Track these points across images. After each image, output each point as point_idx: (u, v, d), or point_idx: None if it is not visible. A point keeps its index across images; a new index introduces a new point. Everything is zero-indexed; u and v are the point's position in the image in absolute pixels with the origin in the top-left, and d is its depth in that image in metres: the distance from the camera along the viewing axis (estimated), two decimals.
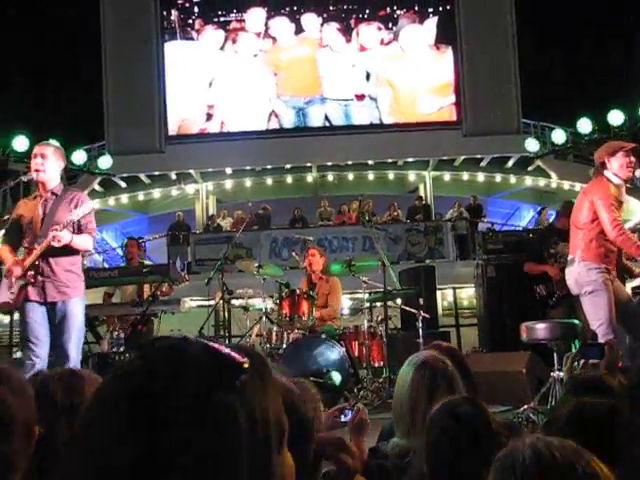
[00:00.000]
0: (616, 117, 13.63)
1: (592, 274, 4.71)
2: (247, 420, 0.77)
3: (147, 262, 8.59)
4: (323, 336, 6.67)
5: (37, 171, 4.57)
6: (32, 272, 4.51)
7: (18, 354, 12.47)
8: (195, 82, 18.17)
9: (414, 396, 2.35)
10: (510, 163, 18.76)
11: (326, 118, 18.25)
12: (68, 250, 4.54)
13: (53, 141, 5.09)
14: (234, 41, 18.26)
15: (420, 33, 18.29)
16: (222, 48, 18.28)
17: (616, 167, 4.76)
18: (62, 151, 4.82)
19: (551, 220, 8.66)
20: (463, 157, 18.57)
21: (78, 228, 4.59)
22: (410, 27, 18.32)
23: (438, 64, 18.24)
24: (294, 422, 1.33)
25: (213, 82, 18.14)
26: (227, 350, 0.81)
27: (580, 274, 4.77)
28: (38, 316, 4.53)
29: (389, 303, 7.41)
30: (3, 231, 5.03)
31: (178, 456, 0.72)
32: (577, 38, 20.21)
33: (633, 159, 4.77)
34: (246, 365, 0.80)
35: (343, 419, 2.87)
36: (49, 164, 4.60)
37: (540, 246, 6.53)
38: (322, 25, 18.28)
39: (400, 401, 2.44)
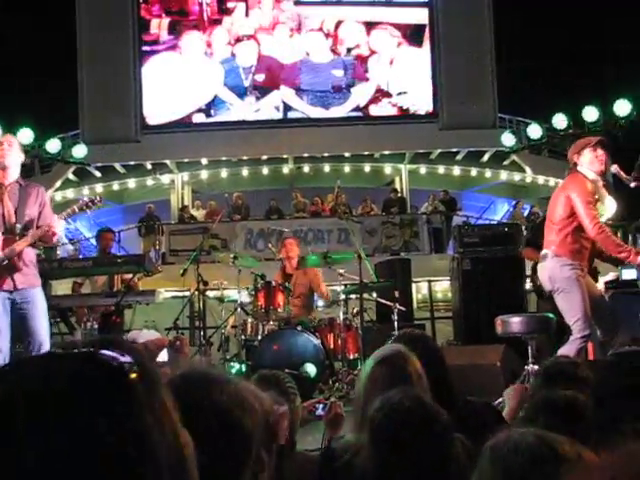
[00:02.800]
0: (591, 113, 13.81)
1: (565, 270, 4.73)
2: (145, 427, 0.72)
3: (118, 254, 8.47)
4: (298, 328, 6.67)
5: (3, 156, 4.67)
6: (5, 262, 4.52)
7: None
8: (172, 70, 18.00)
9: (369, 391, 2.32)
10: (486, 157, 18.85)
11: (303, 110, 18.19)
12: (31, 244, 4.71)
13: None
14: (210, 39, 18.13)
15: (398, 27, 18.28)
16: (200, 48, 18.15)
17: (586, 163, 4.80)
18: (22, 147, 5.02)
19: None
20: (439, 150, 18.61)
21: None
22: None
23: (415, 58, 18.26)
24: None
25: (191, 76, 17.99)
26: (110, 355, 0.75)
27: (553, 270, 4.79)
28: (1, 307, 4.54)
29: (365, 295, 7.42)
30: None
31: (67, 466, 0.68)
32: (554, 35, 20.35)
33: (600, 152, 4.80)
34: (134, 372, 0.74)
35: (318, 412, 2.87)
36: (14, 151, 4.75)
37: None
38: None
39: (357, 394, 2.43)
